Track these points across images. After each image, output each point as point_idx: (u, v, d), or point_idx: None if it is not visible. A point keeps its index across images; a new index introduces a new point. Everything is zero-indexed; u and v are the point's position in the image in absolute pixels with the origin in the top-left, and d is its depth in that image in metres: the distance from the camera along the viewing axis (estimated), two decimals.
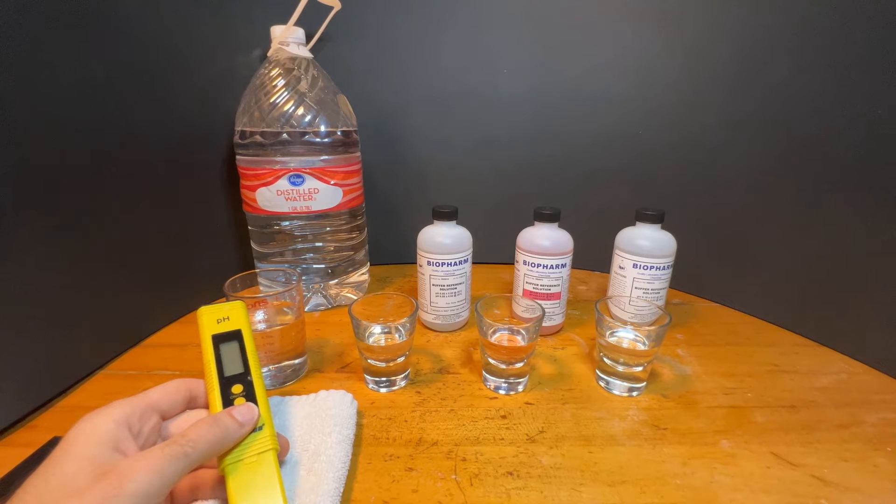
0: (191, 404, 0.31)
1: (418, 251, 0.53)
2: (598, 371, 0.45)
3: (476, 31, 0.65)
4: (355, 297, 0.61)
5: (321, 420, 0.36)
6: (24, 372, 0.40)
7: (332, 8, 0.58)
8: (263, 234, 0.58)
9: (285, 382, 0.45)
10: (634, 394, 0.43)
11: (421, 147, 0.71)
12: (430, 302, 0.53)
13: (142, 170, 0.51)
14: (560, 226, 0.52)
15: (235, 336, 0.33)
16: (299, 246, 0.58)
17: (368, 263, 0.67)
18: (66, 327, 0.44)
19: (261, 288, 0.53)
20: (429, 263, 0.52)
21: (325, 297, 0.61)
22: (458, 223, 0.53)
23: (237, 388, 0.30)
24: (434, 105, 0.69)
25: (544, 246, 0.50)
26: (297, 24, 0.52)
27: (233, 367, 0.31)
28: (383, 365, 0.43)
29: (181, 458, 0.24)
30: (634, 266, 0.52)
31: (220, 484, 0.28)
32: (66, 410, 0.41)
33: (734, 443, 0.37)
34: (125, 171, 0.49)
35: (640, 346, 0.43)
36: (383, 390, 0.44)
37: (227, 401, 0.29)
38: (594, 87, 0.66)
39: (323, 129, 0.54)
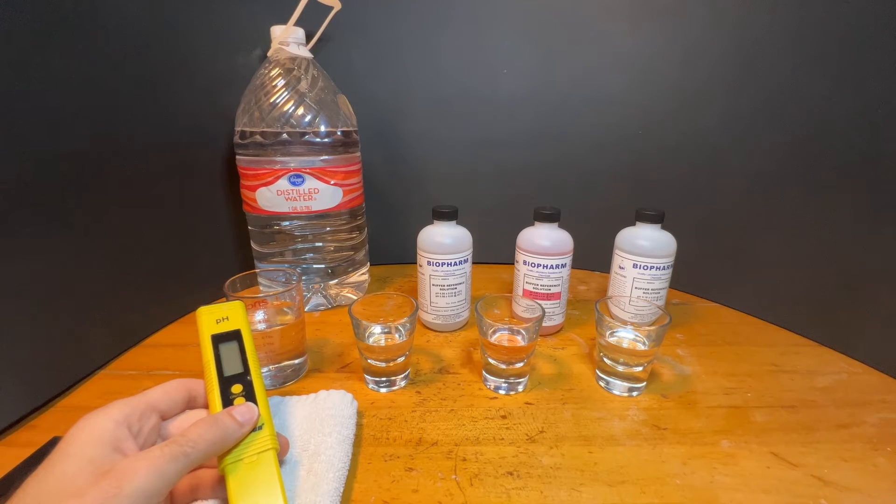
0: (190, 404, 0.31)
1: (418, 251, 0.53)
2: (598, 371, 0.45)
3: (476, 32, 0.65)
4: (355, 297, 0.61)
5: (321, 420, 0.36)
6: (24, 372, 0.40)
7: (332, 8, 0.58)
8: (263, 234, 0.58)
9: (285, 382, 0.45)
10: (634, 394, 0.43)
11: (421, 147, 0.71)
12: (430, 302, 0.53)
13: (142, 170, 0.51)
14: (560, 226, 0.52)
15: (234, 336, 0.33)
16: (299, 246, 0.58)
17: (368, 263, 0.67)
18: (66, 327, 0.44)
19: (261, 288, 0.53)
20: (429, 263, 0.52)
21: (325, 297, 0.61)
22: (458, 223, 0.53)
23: (237, 388, 0.30)
24: (434, 105, 0.68)
25: (544, 246, 0.50)
26: (297, 24, 0.52)
27: (232, 367, 0.31)
28: (383, 365, 0.43)
29: (181, 457, 0.24)
30: (634, 266, 0.52)
31: (220, 484, 0.28)
32: (66, 410, 0.41)
33: (734, 443, 0.37)
34: (125, 170, 0.49)
35: (640, 346, 0.43)
36: (383, 390, 0.44)
37: (227, 401, 0.29)
38: (594, 88, 0.66)
39: (323, 129, 0.54)
